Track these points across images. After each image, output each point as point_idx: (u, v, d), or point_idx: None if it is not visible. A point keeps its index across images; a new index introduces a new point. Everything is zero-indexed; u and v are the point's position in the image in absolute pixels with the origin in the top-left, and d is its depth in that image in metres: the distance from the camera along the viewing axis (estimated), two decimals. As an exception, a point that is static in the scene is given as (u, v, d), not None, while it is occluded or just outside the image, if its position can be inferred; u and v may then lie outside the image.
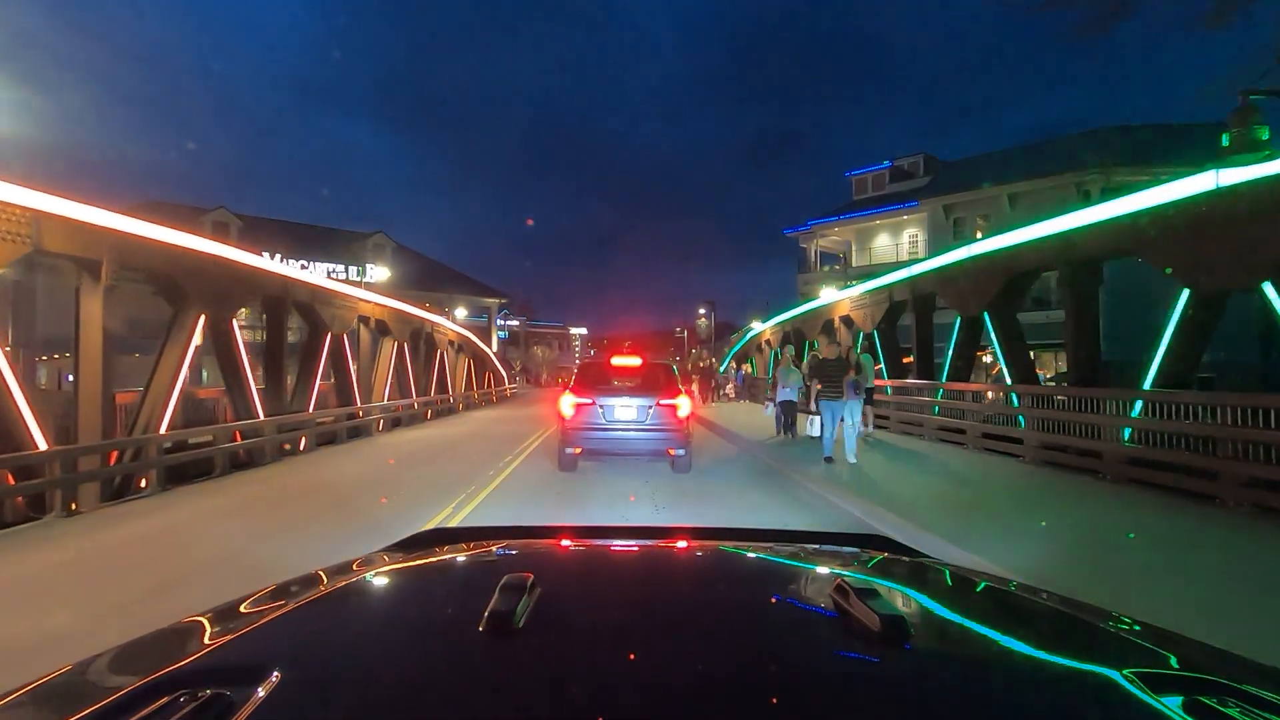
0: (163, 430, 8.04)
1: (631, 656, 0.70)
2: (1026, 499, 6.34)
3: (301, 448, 11.13)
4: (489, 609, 0.69)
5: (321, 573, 1.05)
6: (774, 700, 0.59)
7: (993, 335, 9.48)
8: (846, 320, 15.30)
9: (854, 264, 29.42)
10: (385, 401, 15.10)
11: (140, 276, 8.26)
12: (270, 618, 0.82)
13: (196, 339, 8.68)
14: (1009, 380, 9.10)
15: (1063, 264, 7.93)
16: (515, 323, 56.47)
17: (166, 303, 8.54)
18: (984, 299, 9.47)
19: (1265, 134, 7.46)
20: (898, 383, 12.37)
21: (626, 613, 0.83)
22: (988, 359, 15.70)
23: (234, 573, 4.28)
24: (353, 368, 13.74)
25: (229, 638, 0.76)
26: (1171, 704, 0.57)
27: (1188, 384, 6.48)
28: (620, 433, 7.74)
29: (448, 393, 20.58)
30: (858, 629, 0.69)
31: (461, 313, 35.02)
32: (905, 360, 13.21)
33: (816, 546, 1.38)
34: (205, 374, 18.75)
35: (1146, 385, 6.68)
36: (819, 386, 7.98)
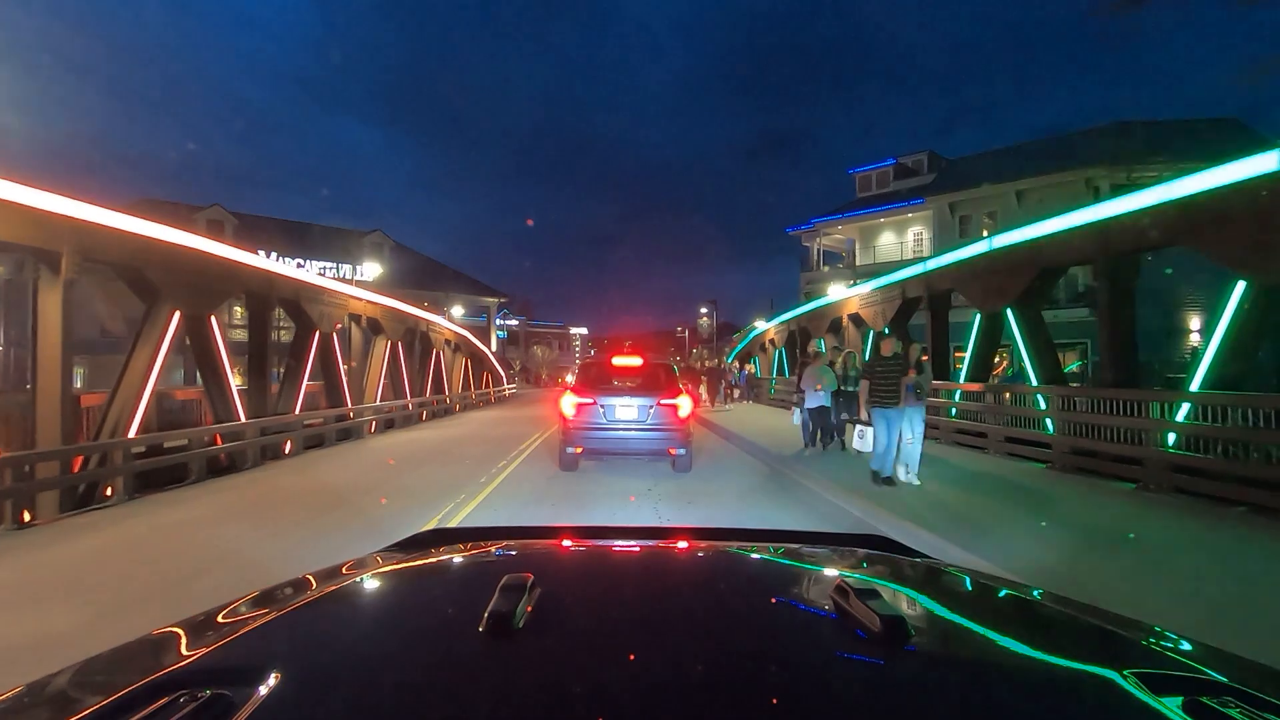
0: (132, 434, 7.52)
1: (631, 657, 0.68)
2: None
3: (287, 451, 10.59)
4: (489, 609, 0.69)
5: (320, 574, 1.04)
6: (774, 701, 0.57)
7: (1016, 333, 8.96)
8: (855, 318, 14.79)
9: (858, 262, 28.98)
10: (377, 402, 14.60)
11: (107, 270, 7.73)
12: (269, 619, 0.81)
13: (170, 337, 8.14)
14: (1034, 381, 8.59)
15: (1100, 256, 7.39)
16: (514, 322, 56.06)
17: (136, 298, 8.01)
18: (1007, 295, 8.95)
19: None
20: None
21: (626, 613, 0.82)
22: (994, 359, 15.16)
23: (195, 593, 3.84)
24: (343, 368, 13.20)
25: (228, 638, 0.75)
26: (1171, 704, 0.56)
27: (1243, 385, 5.95)
28: (621, 432, 7.70)
29: (444, 393, 20.02)
30: (858, 630, 0.68)
31: (460, 312, 34.57)
32: (924, 359, 12.60)
33: (817, 547, 1.35)
34: (196, 375, 18.20)
35: (1194, 387, 6.17)
36: (869, 390, 6.57)
